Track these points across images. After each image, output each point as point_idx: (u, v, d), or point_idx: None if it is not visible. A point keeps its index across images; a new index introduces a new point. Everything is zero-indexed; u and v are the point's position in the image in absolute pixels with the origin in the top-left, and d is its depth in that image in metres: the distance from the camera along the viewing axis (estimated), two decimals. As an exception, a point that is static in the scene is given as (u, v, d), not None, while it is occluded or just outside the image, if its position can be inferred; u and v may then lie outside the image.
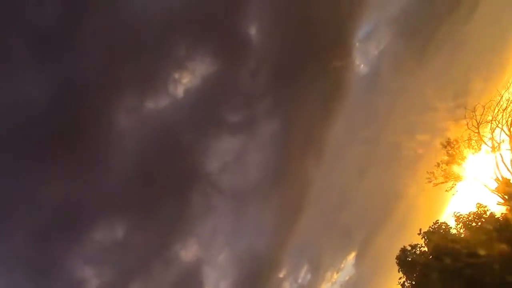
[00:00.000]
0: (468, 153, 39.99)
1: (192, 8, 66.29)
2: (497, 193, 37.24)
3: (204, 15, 68.44)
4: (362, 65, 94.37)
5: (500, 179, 37.13)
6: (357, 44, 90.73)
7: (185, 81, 75.97)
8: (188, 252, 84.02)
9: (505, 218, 30.90)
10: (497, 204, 36.56)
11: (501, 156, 37.52)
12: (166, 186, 77.59)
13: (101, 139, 66.85)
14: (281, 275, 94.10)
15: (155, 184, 76.11)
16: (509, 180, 36.67)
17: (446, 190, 41.41)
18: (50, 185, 62.92)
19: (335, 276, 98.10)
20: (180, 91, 75.99)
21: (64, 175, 64.55)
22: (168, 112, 74.64)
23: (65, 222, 65.82)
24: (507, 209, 34.24)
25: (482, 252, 27.88)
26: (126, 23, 61.39)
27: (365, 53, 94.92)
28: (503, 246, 26.89)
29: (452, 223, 36.23)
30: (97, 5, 58.73)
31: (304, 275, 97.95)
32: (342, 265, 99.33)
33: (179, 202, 79.56)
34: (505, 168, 37.07)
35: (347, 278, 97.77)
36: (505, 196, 36.23)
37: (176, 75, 75.08)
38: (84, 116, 63.05)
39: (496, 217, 32.57)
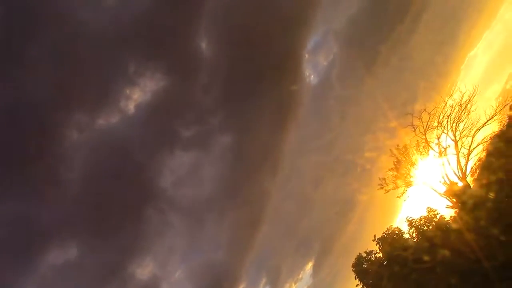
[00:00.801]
0: (417, 158, 41.05)
1: (142, 23, 65.45)
2: (445, 196, 38.39)
3: (154, 31, 67.71)
4: (312, 76, 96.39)
5: (448, 182, 38.33)
6: (306, 55, 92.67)
7: (136, 97, 74.93)
8: (144, 270, 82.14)
9: (454, 221, 31.70)
10: (446, 207, 37.65)
11: (448, 161, 38.80)
12: (120, 204, 75.52)
13: (52, 156, 64.39)
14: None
15: (109, 201, 73.90)
16: (456, 183, 37.92)
17: (398, 196, 42.31)
18: (1, 203, 59.76)
19: (293, 286, 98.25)
20: (131, 107, 74.81)
21: (13, 195, 61.50)
22: (120, 128, 73.11)
23: (16, 244, 62.73)
24: (455, 212, 35.24)
25: (426, 257, 28.54)
26: (75, 39, 59.81)
27: (314, 64, 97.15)
28: (445, 252, 27.61)
29: (405, 228, 36.92)
30: (46, 21, 56.85)
31: (263, 287, 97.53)
32: (300, 276, 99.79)
33: (134, 219, 77.61)
34: (452, 172, 38.35)
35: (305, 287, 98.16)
36: (453, 199, 37.37)
37: (127, 91, 73.92)
38: (33, 133, 60.56)
39: (445, 220, 33.41)
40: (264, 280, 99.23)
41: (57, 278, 70.02)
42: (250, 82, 79.13)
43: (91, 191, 69.84)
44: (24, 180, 61.36)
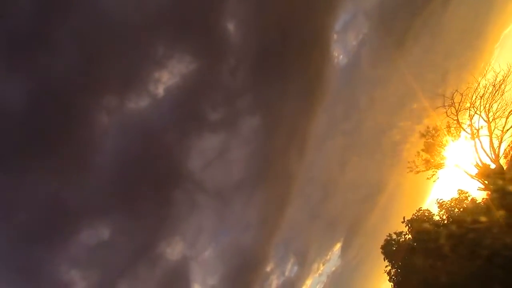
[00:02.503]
0: (448, 140, 40.53)
1: (169, 6, 65.65)
2: (477, 178, 37.91)
3: (181, 13, 67.85)
4: (341, 56, 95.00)
5: (480, 164, 37.78)
6: (335, 36, 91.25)
7: (165, 80, 75.36)
8: (174, 250, 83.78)
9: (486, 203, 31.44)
10: (478, 189, 37.22)
11: (480, 142, 38.15)
12: (149, 186, 77.11)
13: (82, 140, 66.11)
14: (268, 269, 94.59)
15: (139, 184, 75.56)
16: (489, 165, 37.34)
17: (428, 178, 41.92)
18: (33, 188, 62.02)
19: (321, 267, 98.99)
20: (160, 90, 75.41)
21: (47, 177, 63.62)
22: (149, 111, 74.04)
23: (50, 224, 65.01)
24: (487, 194, 34.87)
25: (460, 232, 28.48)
26: (102, 23, 60.58)
27: (343, 45, 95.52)
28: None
29: (435, 210, 36.79)
30: (73, 5, 57.78)
31: (291, 267, 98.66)
32: (328, 257, 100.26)
33: (163, 201, 79.16)
34: (484, 154, 37.73)
35: (333, 268, 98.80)
36: (485, 181, 36.90)
37: (156, 74, 74.45)
38: (64, 117, 62.15)
39: (477, 202, 33.16)
40: (292, 260, 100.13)
41: (90, 257, 72.66)
42: (278, 64, 78.74)
43: (121, 174, 71.43)
44: (56, 163, 63.07)
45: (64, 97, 60.50)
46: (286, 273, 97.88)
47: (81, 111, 64.71)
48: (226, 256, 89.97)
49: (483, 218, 27.82)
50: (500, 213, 26.62)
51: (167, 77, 75.28)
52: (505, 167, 35.93)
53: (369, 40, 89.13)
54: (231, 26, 75.47)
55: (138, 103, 72.90)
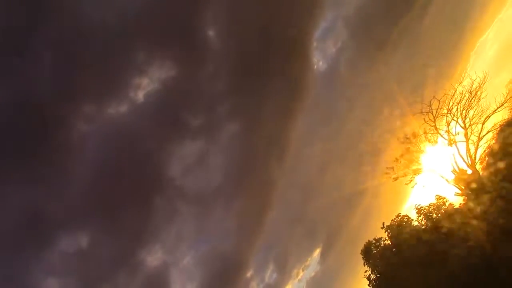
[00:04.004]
0: (425, 146, 40.96)
1: (149, 13, 65.27)
2: (454, 184, 38.38)
3: (161, 20, 67.56)
4: (321, 63, 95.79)
5: (457, 170, 38.26)
6: (315, 43, 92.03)
7: (145, 86, 74.88)
8: (153, 257, 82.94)
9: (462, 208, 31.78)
10: (455, 195, 37.67)
11: (457, 148, 38.67)
12: (129, 193, 76.23)
13: (61, 148, 65.01)
14: (248, 275, 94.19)
15: (118, 191, 74.55)
16: (466, 171, 37.84)
17: (406, 184, 42.29)
18: (9, 197, 60.57)
19: (301, 273, 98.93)
20: (140, 96, 74.85)
21: (25, 185, 62.31)
22: (129, 117, 73.42)
23: (27, 232, 63.74)
24: (464, 200, 35.29)
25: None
26: (81, 30, 59.95)
27: (323, 51, 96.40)
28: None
29: (413, 215, 37.08)
30: (52, 12, 56.91)
31: (270, 274, 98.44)
32: (308, 262, 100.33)
33: (143, 208, 78.40)
34: (461, 160, 38.25)
35: (312, 274, 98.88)
36: (462, 186, 37.37)
37: (136, 81, 73.92)
38: (41, 125, 61.01)
39: (454, 207, 33.50)
40: (271, 267, 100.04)
41: (68, 266, 71.31)
42: (257, 70, 78.96)
43: (100, 181, 70.57)
44: (34, 171, 62.12)
45: (42, 105, 59.50)
46: (266, 279, 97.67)
47: (59, 119, 63.78)
48: (206, 262, 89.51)
49: (458, 225, 28.13)
50: (474, 221, 26.92)
51: (147, 84, 74.84)
52: (481, 173, 36.44)
53: (348, 47, 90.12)
54: (211, 33, 75.48)
55: (118, 110, 72.25)
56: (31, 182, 62.48)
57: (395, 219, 36.92)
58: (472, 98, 38.49)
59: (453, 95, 39.37)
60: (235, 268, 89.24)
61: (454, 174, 38.51)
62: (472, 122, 38.40)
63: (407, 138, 41.38)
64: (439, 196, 35.86)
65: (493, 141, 36.90)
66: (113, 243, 75.79)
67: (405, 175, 41.71)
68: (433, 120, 39.99)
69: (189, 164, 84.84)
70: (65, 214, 68.04)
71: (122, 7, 63.35)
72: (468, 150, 38.14)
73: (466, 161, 38.03)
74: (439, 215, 33.66)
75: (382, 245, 37.70)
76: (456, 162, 38.43)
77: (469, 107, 38.63)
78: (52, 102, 60.33)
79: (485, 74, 38.75)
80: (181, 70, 74.70)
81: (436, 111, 39.78)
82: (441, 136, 40.07)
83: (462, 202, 34.75)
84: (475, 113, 38.42)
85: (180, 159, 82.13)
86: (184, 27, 70.34)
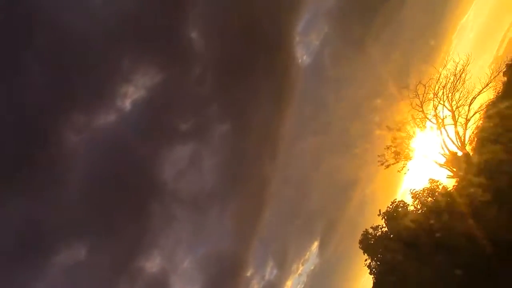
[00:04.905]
0: (415, 132, 41.33)
1: (130, 20, 65.02)
2: (445, 167, 38.83)
3: (143, 26, 67.34)
4: (305, 57, 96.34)
5: (447, 153, 38.71)
6: (297, 38, 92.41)
7: (132, 93, 74.67)
8: (152, 263, 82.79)
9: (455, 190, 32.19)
10: (447, 177, 38.10)
11: (446, 131, 39.10)
12: (124, 200, 75.94)
13: (53, 158, 64.50)
14: (248, 274, 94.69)
15: (113, 199, 74.21)
16: (456, 153, 38.29)
17: (398, 170, 42.66)
18: (4, 212, 59.94)
19: (300, 267, 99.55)
20: (127, 104, 74.67)
21: (18, 199, 61.67)
22: (118, 126, 73.16)
23: (25, 247, 63.26)
24: (456, 181, 35.71)
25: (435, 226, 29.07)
26: (65, 42, 59.51)
27: (306, 46, 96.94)
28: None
29: (409, 200, 37.36)
30: (34, 25, 56.49)
31: (270, 270, 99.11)
32: (307, 256, 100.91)
33: (138, 214, 78.15)
34: (451, 142, 38.69)
35: (312, 267, 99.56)
36: (453, 169, 37.81)
37: (122, 89, 73.63)
38: (32, 138, 60.52)
39: (448, 190, 33.82)
40: (271, 264, 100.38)
41: (68, 278, 70.79)
42: (243, 68, 79.00)
43: (95, 190, 70.21)
44: (28, 184, 61.54)
45: (31, 118, 59.06)
46: (266, 277, 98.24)
47: (50, 131, 63.35)
48: (206, 265, 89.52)
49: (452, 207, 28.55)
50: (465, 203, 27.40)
51: (134, 91, 74.64)
52: (471, 154, 36.90)
53: (331, 39, 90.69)
54: (194, 35, 75.38)
55: (106, 119, 71.94)
56: (26, 195, 61.99)
57: (391, 205, 37.13)
58: (457, 81, 38.91)
59: (438, 79, 39.78)
60: (235, 268, 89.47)
61: (445, 157, 38.95)
62: (458, 105, 38.81)
63: (396, 125, 41.71)
64: (433, 180, 36.19)
65: (481, 122, 37.43)
66: (111, 251, 75.62)
67: (397, 162, 42.04)
68: (420, 105, 40.35)
69: (181, 168, 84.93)
70: (62, 226, 67.58)
71: (103, 14, 63.02)
72: (456, 132, 38.59)
73: (456, 143, 38.48)
74: (434, 198, 33.99)
75: (380, 232, 37.87)
76: (446, 145, 38.88)
77: (454, 90, 39.04)
78: (42, 114, 60.02)
79: (468, 56, 39.26)
80: (166, 75, 74.70)
81: (423, 96, 40.15)
82: (429, 120, 40.48)
83: (455, 184, 35.16)
84: (461, 96, 38.84)
85: (172, 164, 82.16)
86: (167, 32, 70.25)
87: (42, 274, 66.96)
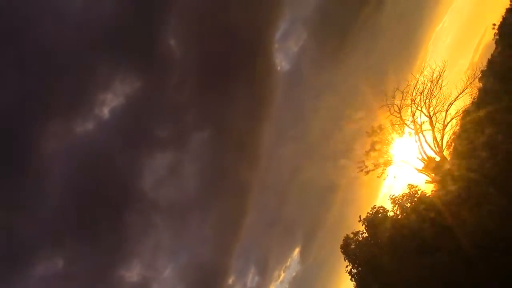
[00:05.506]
0: (393, 137, 41.72)
1: (109, 27, 64.40)
2: (424, 172, 39.23)
3: (122, 34, 66.78)
4: (284, 63, 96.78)
5: (426, 158, 39.15)
6: (276, 45, 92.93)
7: (110, 101, 73.78)
8: (132, 273, 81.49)
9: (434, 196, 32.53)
10: (426, 182, 38.47)
11: (424, 137, 39.60)
12: (103, 209, 74.70)
13: (31, 167, 63.28)
14: (230, 282, 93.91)
15: (92, 208, 72.97)
16: (434, 158, 38.76)
17: (378, 176, 42.91)
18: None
19: (282, 274, 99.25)
20: (105, 112, 73.73)
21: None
22: (96, 134, 72.27)
23: (2, 261, 61.61)
24: (435, 186, 36.08)
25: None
26: (43, 50, 58.61)
27: (285, 53, 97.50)
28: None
29: (389, 206, 37.54)
30: (11, 32, 55.45)
31: (252, 278, 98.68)
32: (288, 263, 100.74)
33: (118, 223, 76.96)
34: (429, 148, 39.16)
35: (294, 274, 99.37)
36: (431, 174, 38.22)
37: (100, 96, 72.69)
38: (9, 146, 59.17)
39: (427, 195, 34.13)
40: (252, 271, 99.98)
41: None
42: (222, 75, 78.99)
43: (73, 199, 69.03)
44: (4, 194, 60.14)
45: (7, 126, 57.75)
46: (248, 284, 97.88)
47: (26, 139, 62.02)
48: (187, 273, 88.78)
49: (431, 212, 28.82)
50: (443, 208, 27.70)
51: (112, 99, 73.78)
52: (448, 158, 37.38)
53: (309, 46, 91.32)
54: (173, 42, 74.97)
55: (84, 127, 70.96)
56: (1, 205, 60.47)
57: (371, 211, 37.26)
58: (434, 87, 39.53)
59: (416, 85, 40.32)
60: (216, 276, 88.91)
61: (423, 162, 39.38)
62: (436, 110, 39.45)
63: (374, 131, 42.01)
64: (411, 185, 36.48)
65: (457, 127, 37.99)
66: (90, 261, 74.24)
67: (376, 168, 42.30)
68: (398, 111, 40.80)
69: (161, 176, 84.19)
70: (40, 236, 66.23)
71: (81, 22, 62.26)
72: (434, 138, 39.10)
73: (434, 148, 38.97)
74: (413, 203, 34.24)
75: (361, 238, 37.92)
76: (424, 151, 39.34)
77: (431, 96, 39.64)
78: (18, 123, 58.89)
79: (444, 62, 39.93)
80: (145, 83, 74.17)
81: (401, 102, 40.63)
82: (408, 126, 40.95)
83: (433, 189, 35.52)
84: (438, 101, 39.48)
85: (151, 171, 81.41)
86: (145, 39, 69.74)
87: (20, 287, 65.63)
